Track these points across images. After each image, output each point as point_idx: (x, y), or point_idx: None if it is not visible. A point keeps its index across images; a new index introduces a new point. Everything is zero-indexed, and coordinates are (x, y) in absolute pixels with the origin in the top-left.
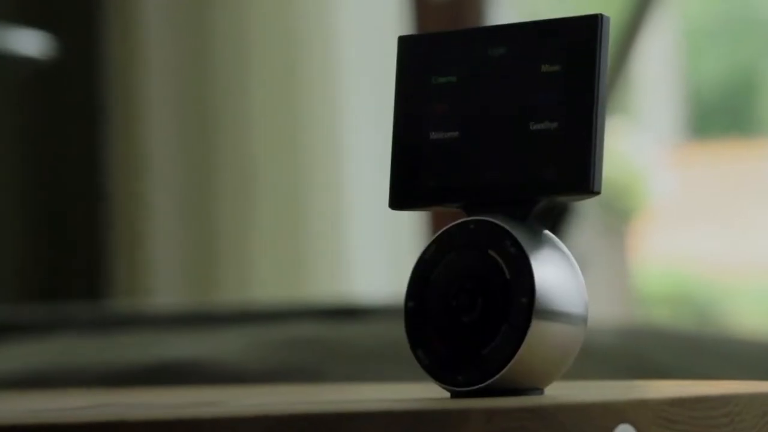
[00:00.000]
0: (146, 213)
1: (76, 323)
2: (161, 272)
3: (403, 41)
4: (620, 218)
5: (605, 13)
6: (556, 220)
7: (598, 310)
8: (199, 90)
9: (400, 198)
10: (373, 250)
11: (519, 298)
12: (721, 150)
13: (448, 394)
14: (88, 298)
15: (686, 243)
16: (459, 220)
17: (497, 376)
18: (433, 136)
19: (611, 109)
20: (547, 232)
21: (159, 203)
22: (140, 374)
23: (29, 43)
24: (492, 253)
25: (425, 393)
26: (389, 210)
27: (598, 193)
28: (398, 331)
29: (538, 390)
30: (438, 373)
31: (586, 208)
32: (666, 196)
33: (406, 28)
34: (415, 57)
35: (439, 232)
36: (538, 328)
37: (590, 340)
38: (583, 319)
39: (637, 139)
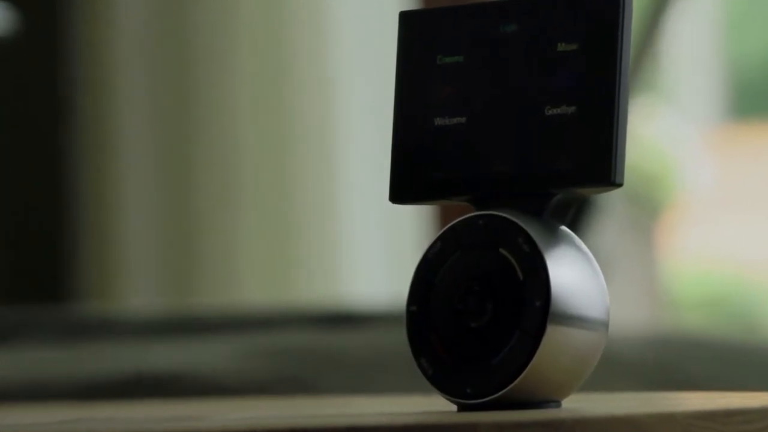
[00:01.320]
0: (118, 207)
1: (39, 330)
2: (135, 273)
3: (405, 17)
4: (648, 212)
5: None
6: (574, 215)
7: (624, 316)
8: (178, 74)
9: (402, 191)
10: (371, 249)
11: (533, 301)
12: (764, 133)
13: (454, 407)
14: (54, 301)
15: (724, 239)
16: (466, 215)
17: (509, 388)
18: (438, 122)
19: (639, 89)
20: (564, 228)
21: (132, 196)
22: (112, 388)
23: None
24: (503, 251)
25: (429, 406)
26: (389, 204)
27: (620, 184)
28: (399, 338)
29: (554, 402)
30: (443, 384)
31: (609, 202)
32: (701, 186)
33: (409, 3)
34: (419, 34)
35: (445, 228)
36: (553, 335)
37: (614, 348)
38: (603, 324)
39: (669, 122)
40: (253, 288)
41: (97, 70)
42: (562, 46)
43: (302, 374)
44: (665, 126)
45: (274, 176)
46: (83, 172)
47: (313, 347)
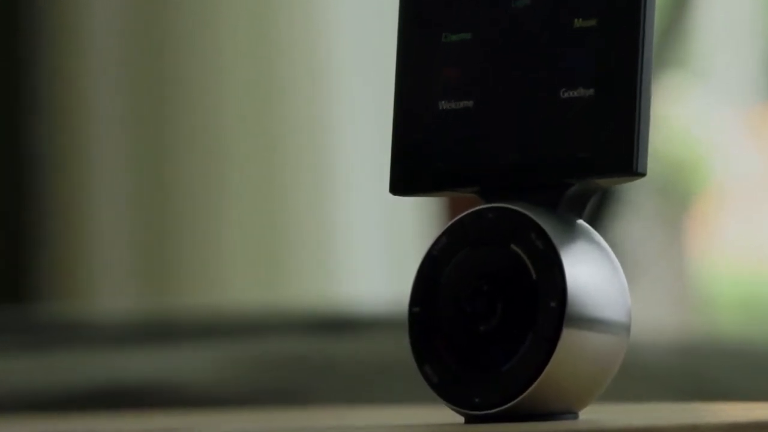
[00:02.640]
0: (87, 197)
1: None
2: (106, 271)
3: None
4: (678, 204)
5: None
6: (594, 209)
7: (650, 320)
8: (154, 48)
9: (403, 181)
10: (370, 246)
11: (547, 302)
12: None
13: (461, 419)
14: (14, 302)
15: (762, 233)
16: (474, 208)
17: (521, 397)
18: (443, 106)
19: (667, 66)
20: (581, 222)
21: (103, 185)
22: (81, 400)
23: None
24: (515, 247)
25: (434, 417)
26: (389, 196)
27: (643, 174)
28: (401, 343)
29: (571, 414)
30: (449, 394)
31: (633, 193)
32: (737, 174)
33: None
34: (422, 9)
35: (451, 222)
36: (570, 339)
37: (639, 355)
38: (625, 328)
39: (702, 102)
40: (239, 289)
41: (65, 58)
42: (578, 23)
43: (293, 384)
44: (697, 107)
45: (261, 165)
46: (48, 158)
47: (305, 355)
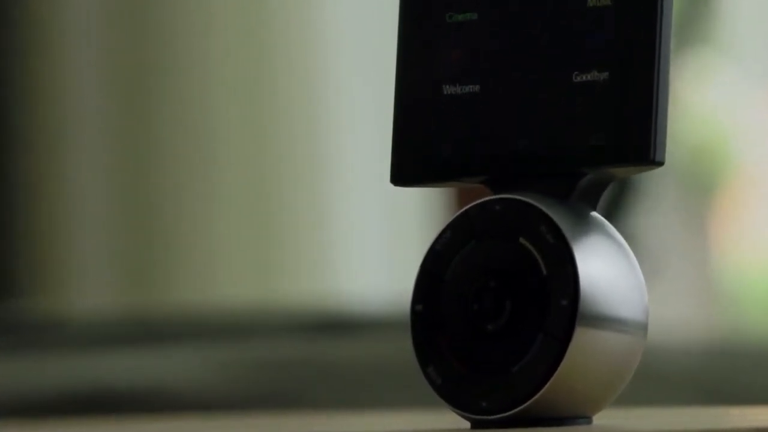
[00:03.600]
0: (66, 188)
1: None
2: (88, 267)
3: None
4: (701, 194)
5: None
6: (610, 200)
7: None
8: (138, 31)
9: (405, 171)
10: (369, 240)
11: (558, 299)
12: None
13: (467, 424)
14: None
15: None
16: (481, 199)
17: (531, 401)
18: (448, 90)
19: (690, 43)
20: (595, 214)
21: (85, 177)
22: (62, 405)
23: None
24: (524, 241)
25: (438, 423)
26: (390, 187)
27: (660, 163)
28: (403, 344)
29: (584, 419)
30: (455, 397)
31: (651, 183)
32: (766, 162)
33: None
34: None
35: (456, 214)
36: (583, 338)
37: (660, 357)
38: (642, 327)
39: (728, 83)
40: (230, 286)
41: (40, 46)
42: (592, 1)
43: (290, 388)
44: (723, 88)
45: (252, 154)
46: (24, 147)
47: (301, 357)
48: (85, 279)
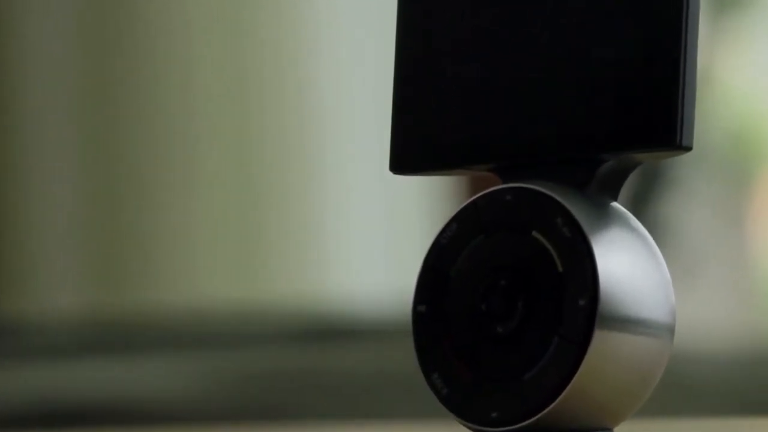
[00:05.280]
0: (27, 179)
1: None
2: (50, 266)
3: None
4: (737, 184)
5: None
6: (633, 190)
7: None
8: (113, 16)
9: (406, 158)
10: (367, 234)
11: (575, 299)
12: None
13: None
14: None
15: None
16: (490, 189)
17: (545, 412)
18: (452, 70)
19: (722, 12)
20: (616, 205)
21: (46, 160)
22: (25, 420)
23: None
24: (537, 235)
25: None
26: (390, 175)
27: (688, 148)
28: (404, 351)
29: (604, 430)
30: (462, 407)
31: (680, 171)
32: None
33: None
34: None
35: (462, 205)
36: (602, 342)
37: (692, 363)
38: (668, 329)
39: (766, 57)
40: (212, 288)
41: (1, 29)
42: None
43: (278, 402)
44: (761, 62)
45: (237, 141)
46: None
47: (292, 366)
48: (48, 279)
